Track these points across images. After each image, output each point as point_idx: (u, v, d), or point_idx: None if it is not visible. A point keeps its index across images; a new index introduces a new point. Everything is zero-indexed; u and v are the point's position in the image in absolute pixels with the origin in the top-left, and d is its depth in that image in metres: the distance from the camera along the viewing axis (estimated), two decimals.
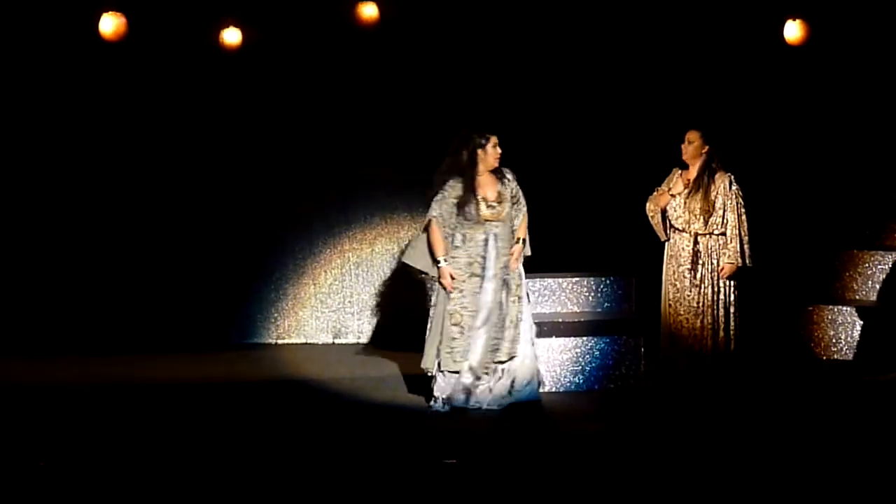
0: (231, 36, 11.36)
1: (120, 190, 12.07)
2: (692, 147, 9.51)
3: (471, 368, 9.02)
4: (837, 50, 11.51)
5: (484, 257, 9.05)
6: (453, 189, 9.04)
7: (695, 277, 9.45)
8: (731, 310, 9.47)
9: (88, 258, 12.05)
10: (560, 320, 9.79)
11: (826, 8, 11.16)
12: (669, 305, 9.56)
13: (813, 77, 11.71)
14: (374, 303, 12.38)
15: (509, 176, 9.17)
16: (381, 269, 12.39)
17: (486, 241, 9.06)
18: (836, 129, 11.73)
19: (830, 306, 11.02)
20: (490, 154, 9.08)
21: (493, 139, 9.09)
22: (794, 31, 11.03)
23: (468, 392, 9.04)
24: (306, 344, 12.29)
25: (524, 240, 9.20)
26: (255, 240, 12.26)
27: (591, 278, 10.11)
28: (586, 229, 11.84)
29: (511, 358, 9.07)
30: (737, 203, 9.40)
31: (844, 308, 10.97)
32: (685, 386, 9.46)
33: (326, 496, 6.91)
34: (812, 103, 11.75)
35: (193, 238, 12.17)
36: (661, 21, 11.72)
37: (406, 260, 9.38)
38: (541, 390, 9.23)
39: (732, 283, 9.46)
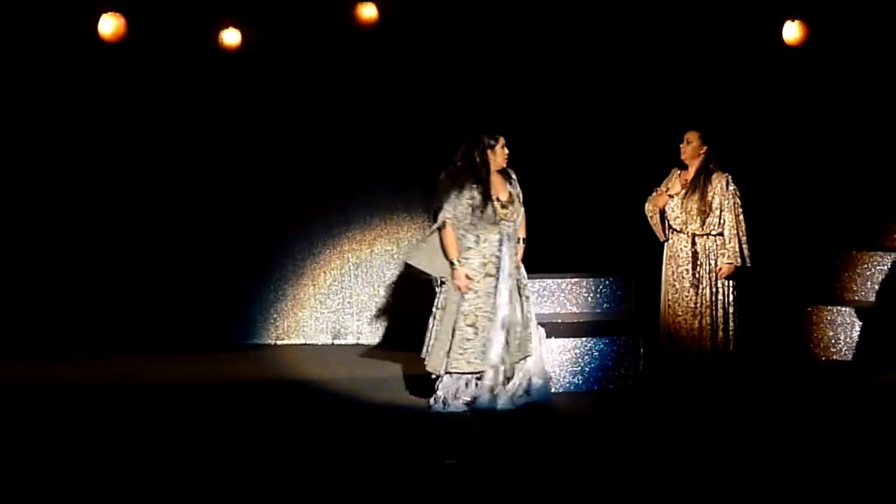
0: (230, 36, 11.36)
1: (120, 190, 12.08)
2: (691, 147, 9.51)
3: (495, 369, 9.00)
4: (836, 51, 11.52)
5: (498, 257, 9.03)
6: (468, 190, 9.02)
7: (694, 278, 9.45)
8: (730, 310, 9.47)
9: (89, 259, 12.05)
10: (559, 321, 9.79)
11: (825, 9, 11.17)
12: (668, 306, 9.56)
13: (812, 77, 11.71)
14: (374, 304, 12.38)
15: (514, 176, 9.19)
16: (381, 269, 12.39)
17: (501, 241, 9.06)
18: (835, 129, 11.73)
19: (830, 307, 11.03)
20: (499, 154, 9.09)
21: (502, 140, 9.10)
22: (792, 31, 11.05)
23: (493, 393, 9.00)
24: (306, 344, 12.29)
25: (524, 239, 9.20)
26: (255, 240, 12.27)
27: (591, 279, 10.09)
28: (586, 230, 11.84)
29: (526, 357, 9.08)
30: (734, 203, 9.39)
31: (844, 309, 10.98)
32: (684, 386, 9.46)
33: (326, 496, 6.91)
34: (811, 104, 11.75)
35: (193, 239, 12.17)
36: (661, 22, 11.73)
37: (410, 261, 9.30)
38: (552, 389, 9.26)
39: (731, 283, 9.46)
